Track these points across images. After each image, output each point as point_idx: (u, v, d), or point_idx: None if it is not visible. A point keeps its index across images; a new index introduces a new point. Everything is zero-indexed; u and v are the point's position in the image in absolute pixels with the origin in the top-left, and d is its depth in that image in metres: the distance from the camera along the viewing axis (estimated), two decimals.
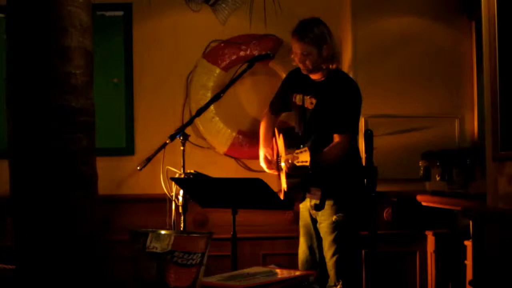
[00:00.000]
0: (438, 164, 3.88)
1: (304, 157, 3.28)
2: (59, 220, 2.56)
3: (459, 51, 4.49)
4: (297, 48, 3.59)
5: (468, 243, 3.67)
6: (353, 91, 3.59)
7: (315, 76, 3.64)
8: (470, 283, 3.26)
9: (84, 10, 2.66)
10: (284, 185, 3.61)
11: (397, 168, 4.21)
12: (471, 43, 4.48)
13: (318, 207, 3.65)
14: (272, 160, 3.76)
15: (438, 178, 3.87)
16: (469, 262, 3.65)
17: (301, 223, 3.80)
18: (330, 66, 3.59)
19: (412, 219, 4.36)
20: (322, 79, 3.62)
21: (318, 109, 3.58)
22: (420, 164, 4.03)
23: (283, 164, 3.48)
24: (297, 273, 2.99)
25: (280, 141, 3.72)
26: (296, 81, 3.75)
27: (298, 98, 3.69)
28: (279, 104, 3.86)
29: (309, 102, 3.63)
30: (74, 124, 2.61)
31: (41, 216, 2.55)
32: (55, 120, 2.57)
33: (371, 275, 4.14)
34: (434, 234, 4.33)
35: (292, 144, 3.56)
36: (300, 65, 3.63)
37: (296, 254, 3.86)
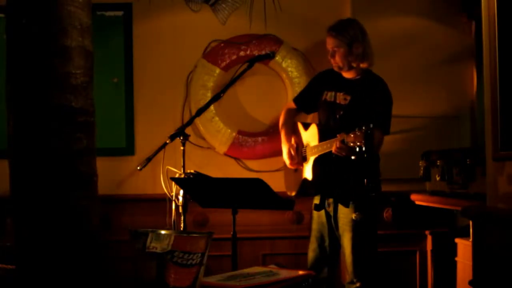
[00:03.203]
0: (438, 164, 3.88)
1: (357, 139, 3.24)
2: (59, 220, 2.56)
3: (459, 51, 4.49)
4: (328, 43, 3.77)
5: (459, 241, 3.67)
6: (388, 93, 3.73)
7: (348, 75, 3.78)
8: (470, 283, 3.26)
9: (84, 10, 2.66)
10: (309, 175, 3.62)
11: (397, 168, 4.21)
12: (471, 43, 4.48)
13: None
14: (294, 154, 3.78)
15: (438, 178, 3.87)
16: (461, 259, 3.65)
17: (314, 221, 3.79)
18: (361, 65, 3.73)
19: (412, 219, 4.36)
20: (357, 77, 3.76)
21: (353, 105, 3.68)
22: (420, 164, 4.03)
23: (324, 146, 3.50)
24: (297, 273, 3.00)
25: (312, 131, 3.76)
26: (327, 79, 3.87)
27: (329, 95, 3.79)
28: (309, 99, 3.94)
29: (342, 98, 3.71)
30: (74, 124, 2.61)
31: (41, 216, 2.55)
32: (55, 120, 2.57)
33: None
34: (431, 233, 4.33)
35: (322, 137, 3.63)
36: (331, 60, 3.77)
37: (296, 254, 3.87)
